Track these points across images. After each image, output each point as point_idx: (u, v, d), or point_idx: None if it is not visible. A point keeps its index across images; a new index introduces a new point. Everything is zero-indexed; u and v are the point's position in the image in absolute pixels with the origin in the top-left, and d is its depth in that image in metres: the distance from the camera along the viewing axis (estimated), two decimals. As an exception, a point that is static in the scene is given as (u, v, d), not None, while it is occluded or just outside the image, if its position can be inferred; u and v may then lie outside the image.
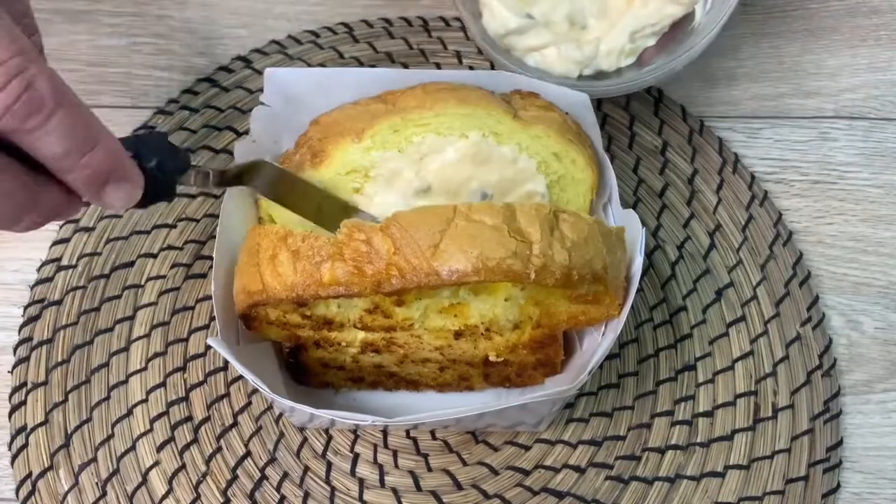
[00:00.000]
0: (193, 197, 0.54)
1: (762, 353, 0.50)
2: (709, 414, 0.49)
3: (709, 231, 0.53)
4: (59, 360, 0.49)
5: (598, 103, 0.57)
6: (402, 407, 0.45)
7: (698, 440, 0.48)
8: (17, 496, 0.46)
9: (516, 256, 0.36)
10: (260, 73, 0.58)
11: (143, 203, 0.35)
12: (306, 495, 0.46)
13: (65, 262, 0.52)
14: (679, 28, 0.51)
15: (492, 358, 0.43)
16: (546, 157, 0.42)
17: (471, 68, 0.58)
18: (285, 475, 0.47)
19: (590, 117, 0.45)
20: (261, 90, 0.57)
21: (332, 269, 0.36)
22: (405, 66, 0.58)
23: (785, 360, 0.50)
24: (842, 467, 0.48)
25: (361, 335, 0.41)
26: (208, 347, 0.50)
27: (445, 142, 0.42)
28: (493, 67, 0.58)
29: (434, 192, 0.42)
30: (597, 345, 0.42)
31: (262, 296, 0.37)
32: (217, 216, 0.52)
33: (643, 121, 0.56)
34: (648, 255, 0.53)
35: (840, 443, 0.49)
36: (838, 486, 0.48)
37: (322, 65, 0.58)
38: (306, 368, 0.45)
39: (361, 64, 0.58)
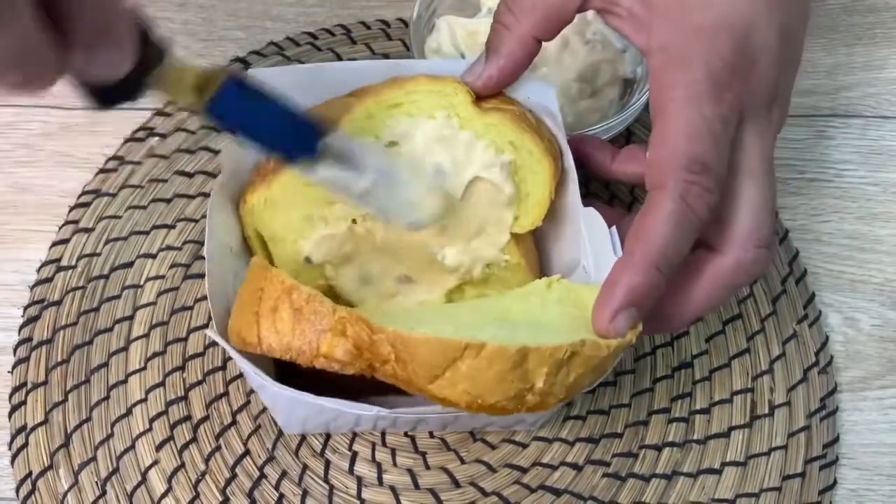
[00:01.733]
0: (192, 197, 0.54)
1: (759, 350, 0.50)
2: (706, 411, 0.49)
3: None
4: (59, 360, 0.50)
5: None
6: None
7: (695, 437, 0.48)
8: (18, 495, 0.47)
9: (513, 399, 0.35)
10: (258, 74, 0.58)
11: (107, 97, 0.32)
12: (305, 493, 0.47)
13: (64, 262, 0.52)
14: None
15: None
16: (502, 145, 0.43)
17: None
18: (284, 473, 0.47)
19: (552, 106, 0.45)
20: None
21: (331, 344, 0.35)
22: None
23: (781, 357, 0.50)
24: (838, 464, 0.48)
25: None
26: (207, 347, 0.50)
27: (416, 123, 0.43)
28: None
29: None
30: None
31: (255, 349, 0.36)
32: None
33: (637, 119, 0.56)
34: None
35: (836, 439, 0.49)
36: (835, 482, 0.48)
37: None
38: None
39: (359, 64, 0.58)
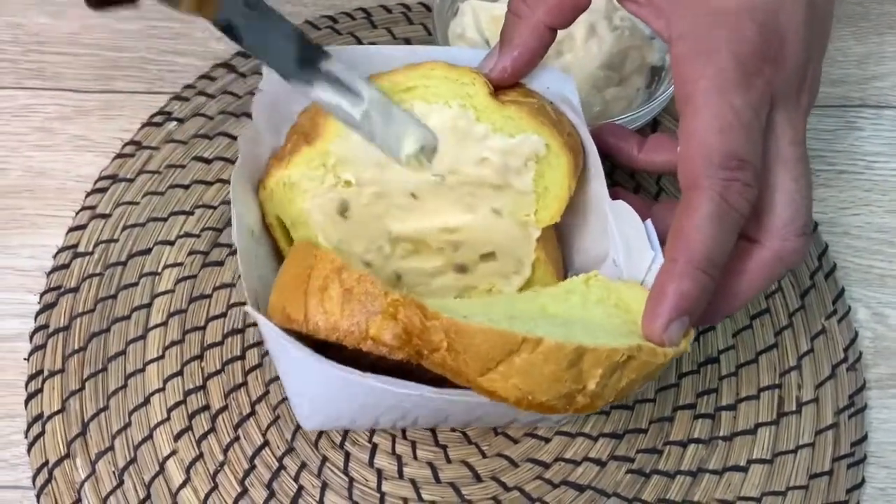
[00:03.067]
0: (210, 184, 0.53)
1: (787, 346, 0.50)
2: (732, 407, 0.48)
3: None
4: (76, 347, 0.49)
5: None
6: (433, 401, 0.45)
7: (721, 434, 0.47)
8: (34, 484, 0.46)
9: (563, 398, 0.34)
10: (277, 58, 0.57)
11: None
12: (324, 485, 0.46)
13: (81, 248, 0.51)
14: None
15: None
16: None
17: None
18: (303, 465, 0.46)
19: (574, 99, 0.44)
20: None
21: (381, 326, 0.34)
22: (424, 51, 0.57)
23: (810, 353, 0.49)
24: (866, 462, 0.48)
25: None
26: (226, 336, 0.49)
27: (430, 109, 0.42)
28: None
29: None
30: None
31: (301, 327, 0.35)
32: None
33: (665, 108, 0.55)
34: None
35: (865, 437, 0.48)
36: (863, 481, 0.47)
37: (340, 50, 0.57)
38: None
39: (380, 49, 0.57)
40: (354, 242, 0.43)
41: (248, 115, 0.55)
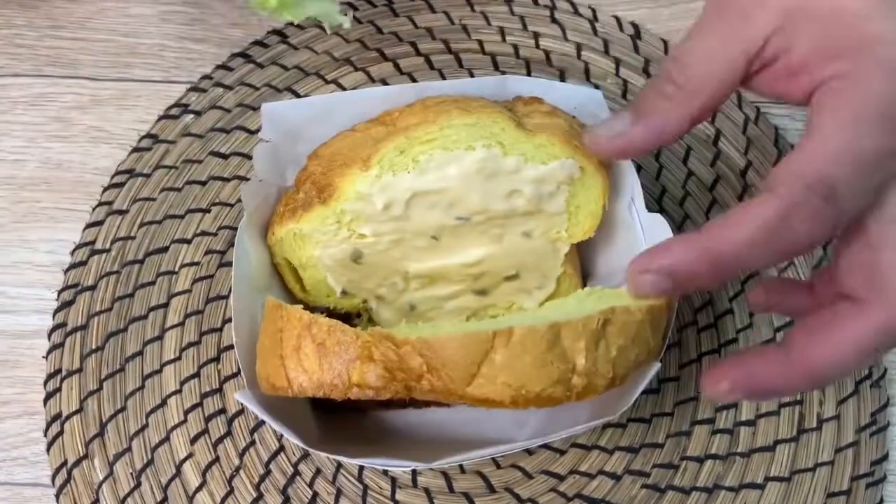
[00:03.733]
0: (227, 180, 0.52)
1: (809, 360, 0.49)
2: (751, 423, 0.47)
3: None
4: (94, 347, 0.49)
5: (616, 69, 0.55)
6: (434, 425, 0.44)
7: (739, 450, 0.47)
8: (54, 483, 0.47)
9: (557, 383, 0.33)
10: (296, 48, 0.56)
11: None
12: (339, 493, 0.46)
13: (98, 245, 0.51)
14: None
15: None
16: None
17: (515, 47, 0.56)
18: (318, 471, 0.47)
19: (603, 114, 0.42)
20: (296, 67, 0.55)
21: (362, 371, 0.34)
22: (445, 42, 0.56)
23: (833, 368, 0.48)
24: (886, 481, 0.47)
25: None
26: (242, 338, 0.49)
27: (452, 157, 0.40)
28: (537, 45, 0.56)
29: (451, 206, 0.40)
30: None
31: (287, 392, 0.35)
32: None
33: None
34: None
35: (886, 456, 0.47)
36: (881, 501, 0.47)
37: (360, 40, 0.56)
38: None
39: (400, 40, 0.56)
40: (366, 281, 0.42)
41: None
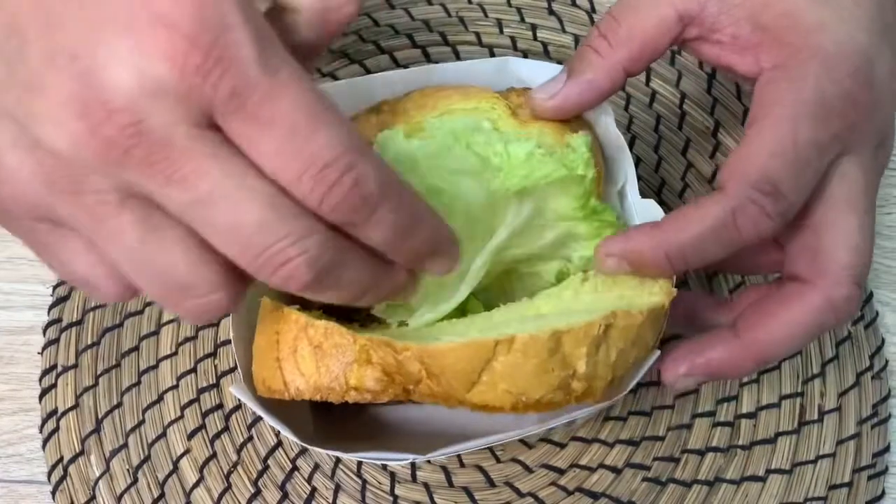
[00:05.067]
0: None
1: (811, 352, 0.48)
2: (752, 415, 0.47)
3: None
4: (89, 342, 0.49)
5: (646, 79, 0.54)
6: (433, 420, 0.44)
7: (740, 442, 0.47)
8: (50, 480, 0.46)
9: (558, 389, 0.33)
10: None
11: None
12: (337, 487, 0.46)
13: (93, 240, 0.51)
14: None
15: None
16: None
17: (512, 39, 0.55)
18: (317, 467, 0.46)
19: (607, 113, 0.42)
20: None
21: (360, 374, 0.33)
22: (442, 34, 0.55)
23: (834, 360, 0.48)
24: (888, 473, 0.47)
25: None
26: (239, 333, 0.49)
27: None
28: (534, 37, 0.56)
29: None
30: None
31: (284, 395, 0.34)
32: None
33: (694, 99, 0.53)
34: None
35: (887, 448, 0.47)
36: (883, 493, 0.46)
37: (357, 32, 0.56)
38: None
39: (396, 32, 0.55)
40: None
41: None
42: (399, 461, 0.36)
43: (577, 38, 0.55)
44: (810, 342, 0.35)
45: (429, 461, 0.46)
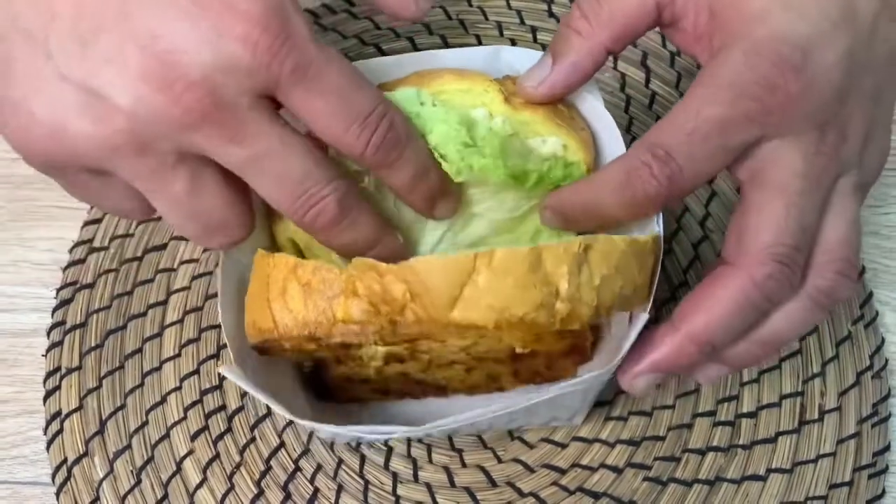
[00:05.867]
0: (225, 177, 0.52)
1: (811, 351, 0.48)
2: (752, 415, 0.47)
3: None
4: (93, 344, 0.49)
5: (646, 80, 0.55)
6: (432, 414, 0.44)
7: (740, 442, 0.47)
8: (54, 482, 0.47)
9: (541, 307, 0.33)
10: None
11: None
12: (339, 488, 0.46)
13: (97, 243, 0.51)
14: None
15: (518, 350, 0.42)
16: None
17: (513, 42, 0.56)
18: (319, 467, 0.47)
19: (593, 93, 0.42)
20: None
21: (346, 306, 0.34)
22: (443, 37, 0.56)
23: (834, 359, 0.48)
24: (888, 472, 0.47)
25: (383, 349, 0.40)
26: (241, 335, 0.49)
27: None
28: (534, 40, 0.56)
29: None
30: (626, 329, 0.40)
31: (273, 334, 0.35)
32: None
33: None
34: (695, 245, 0.51)
35: (888, 447, 0.47)
36: (883, 492, 0.47)
37: (357, 36, 0.56)
38: (329, 386, 0.44)
39: (397, 35, 0.56)
40: None
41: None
42: (392, 435, 0.36)
43: (576, 41, 0.55)
44: (752, 319, 0.35)
45: (430, 461, 0.47)
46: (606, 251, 0.35)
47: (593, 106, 0.42)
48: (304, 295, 0.35)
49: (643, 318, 0.37)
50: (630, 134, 0.53)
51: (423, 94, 0.38)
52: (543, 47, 0.55)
